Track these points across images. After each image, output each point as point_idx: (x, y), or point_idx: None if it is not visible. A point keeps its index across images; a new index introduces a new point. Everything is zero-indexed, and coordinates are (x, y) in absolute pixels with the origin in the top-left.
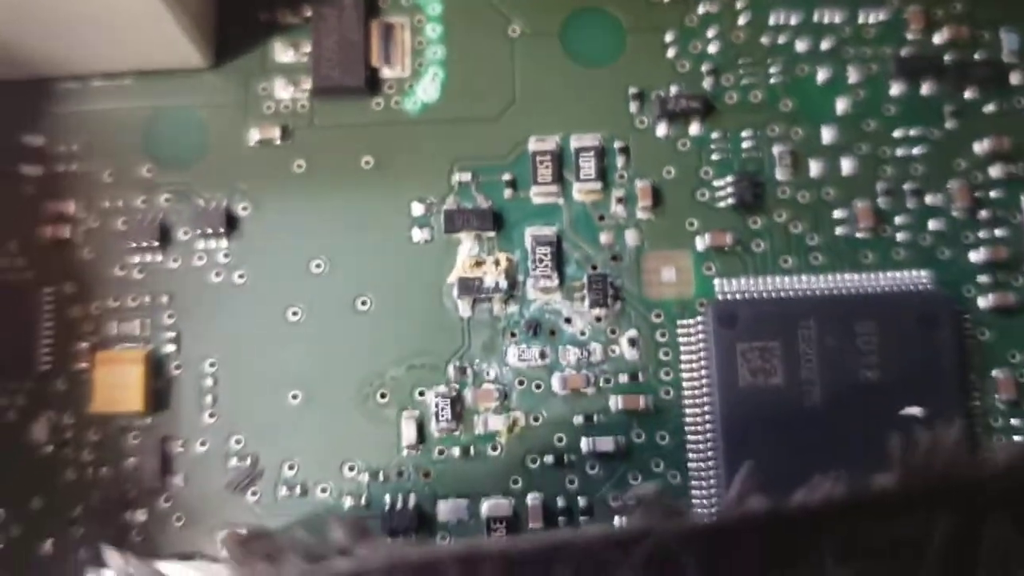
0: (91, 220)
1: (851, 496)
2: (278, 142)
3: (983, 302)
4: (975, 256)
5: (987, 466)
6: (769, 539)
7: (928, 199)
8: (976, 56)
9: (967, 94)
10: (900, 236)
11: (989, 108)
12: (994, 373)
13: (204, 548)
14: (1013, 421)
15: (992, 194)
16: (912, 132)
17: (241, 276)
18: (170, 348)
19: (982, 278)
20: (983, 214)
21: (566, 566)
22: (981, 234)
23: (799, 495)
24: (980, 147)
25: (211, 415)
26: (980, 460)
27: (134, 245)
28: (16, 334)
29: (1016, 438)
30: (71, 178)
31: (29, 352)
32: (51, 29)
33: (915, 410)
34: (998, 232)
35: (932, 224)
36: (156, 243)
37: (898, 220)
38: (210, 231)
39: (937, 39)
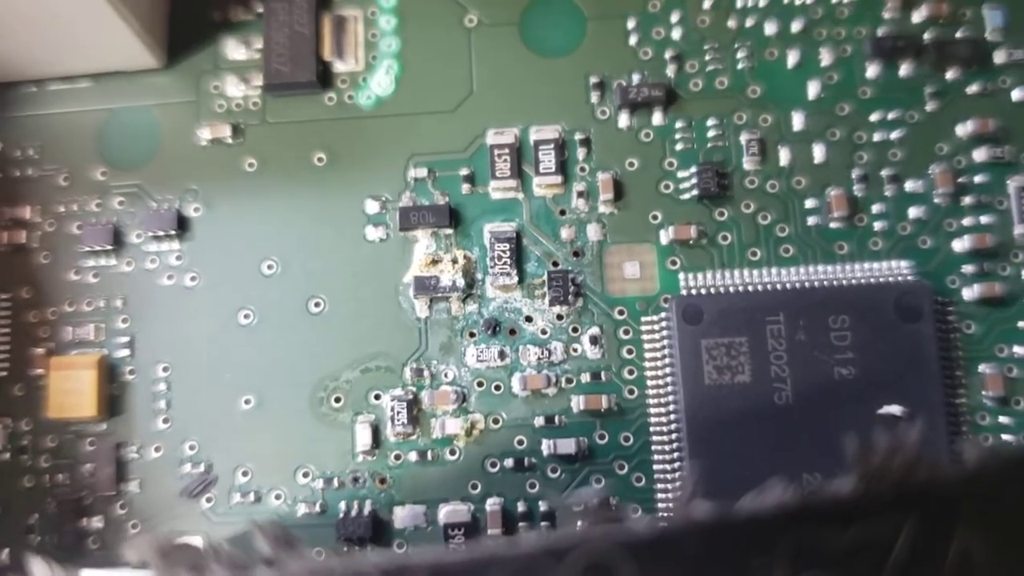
0: (46, 224)
1: (805, 501)
2: (229, 141)
3: (968, 293)
4: (959, 245)
5: (954, 470)
6: (713, 546)
7: (908, 185)
8: (958, 34)
9: (948, 75)
10: (877, 225)
11: (972, 89)
12: (981, 368)
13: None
14: (1001, 419)
15: (976, 179)
16: (890, 115)
17: (193, 278)
18: (124, 352)
19: (967, 267)
20: (967, 200)
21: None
22: (965, 221)
23: (748, 500)
24: (963, 129)
25: (164, 420)
26: (945, 463)
27: (88, 249)
28: None
29: (1005, 437)
30: (27, 183)
31: None
32: (6, 33)
33: (895, 409)
34: (983, 219)
35: (912, 212)
36: (110, 246)
37: (875, 208)
38: (162, 233)
39: (916, 17)
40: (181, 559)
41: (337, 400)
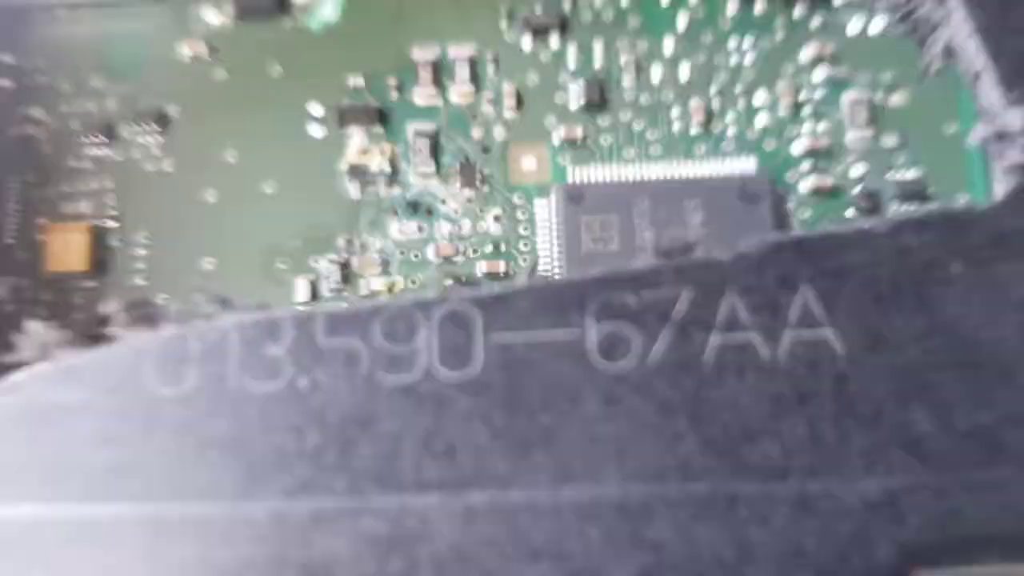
0: (53, 122)
1: (610, 273)
2: (206, 57)
3: (804, 185)
4: (797, 147)
5: (724, 253)
6: (540, 301)
7: (756, 100)
8: None
9: (795, 12)
10: (730, 131)
11: (814, 23)
12: None
13: None
14: None
15: (815, 95)
16: (744, 44)
17: (171, 166)
18: (112, 224)
19: (803, 166)
20: (806, 111)
21: (380, 322)
22: (803, 128)
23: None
24: (805, 54)
25: (145, 278)
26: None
27: (86, 140)
28: None
29: None
30: (37, 89)
31: None
32: None
33: None
34: (820, 126)
35: (759, 120)
36: (104, 139)
37: (728, 118)
38: (147, 129)
39: None
40: (138, 315)
41: (283, 263)
